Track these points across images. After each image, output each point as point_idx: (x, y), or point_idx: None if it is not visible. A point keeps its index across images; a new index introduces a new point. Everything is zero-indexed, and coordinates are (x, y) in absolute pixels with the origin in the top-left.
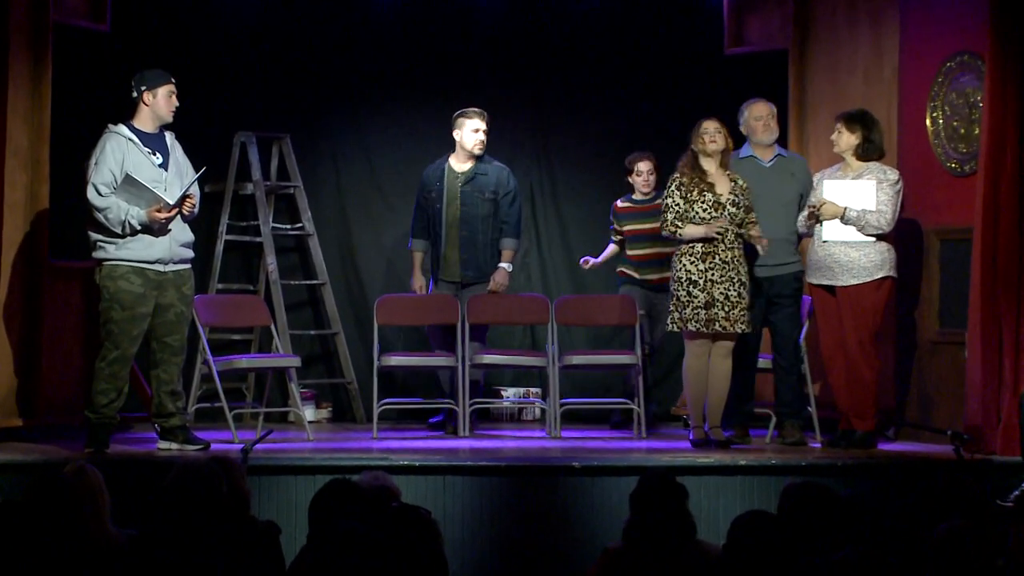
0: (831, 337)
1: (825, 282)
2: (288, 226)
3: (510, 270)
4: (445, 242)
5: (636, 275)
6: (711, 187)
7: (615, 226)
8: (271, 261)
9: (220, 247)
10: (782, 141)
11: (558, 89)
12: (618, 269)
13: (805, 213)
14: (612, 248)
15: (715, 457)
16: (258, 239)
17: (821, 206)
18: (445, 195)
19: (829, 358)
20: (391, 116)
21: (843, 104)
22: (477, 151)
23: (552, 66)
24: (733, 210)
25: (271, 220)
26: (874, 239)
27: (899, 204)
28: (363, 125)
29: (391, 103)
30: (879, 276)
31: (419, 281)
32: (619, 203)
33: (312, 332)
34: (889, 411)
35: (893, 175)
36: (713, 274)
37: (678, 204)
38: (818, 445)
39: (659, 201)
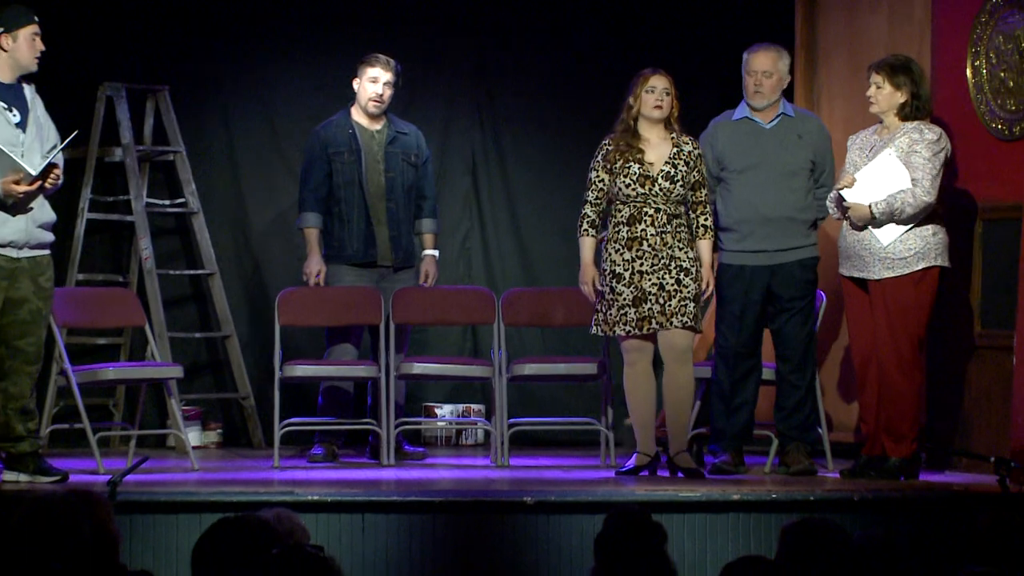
0: (863, 342)
1: (856, 274)
2: (167, 202)
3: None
4: (364, 217)
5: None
6: (640, 155)
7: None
8: (145, 246)
9: (81, 228)
10: (787, 94)
11: (507, 33)
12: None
13: (833, 195)
14: None
15: (702, 491)
16: (129, 218)
17: (848, 210)
18: (364, 158)
19: (862, 368)
20: (297, 64)
21: (861, 49)
22: (372, 109)
23: (498, 5)
24: (667, 185)
25: (145, 194)
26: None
27: (939, 169)
28: (261, 75)
29: (297, 47)
30: (921, 267)
31: (318, 266)
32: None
33: (197, 335)
34: (919, 432)
35: (932, 133)
36: (642, 264)
37: (602, 181)
38: (833, 475)
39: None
